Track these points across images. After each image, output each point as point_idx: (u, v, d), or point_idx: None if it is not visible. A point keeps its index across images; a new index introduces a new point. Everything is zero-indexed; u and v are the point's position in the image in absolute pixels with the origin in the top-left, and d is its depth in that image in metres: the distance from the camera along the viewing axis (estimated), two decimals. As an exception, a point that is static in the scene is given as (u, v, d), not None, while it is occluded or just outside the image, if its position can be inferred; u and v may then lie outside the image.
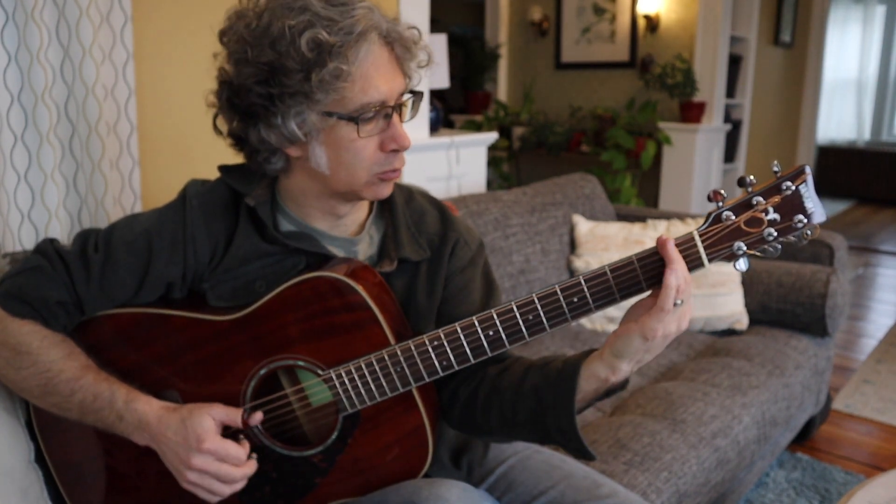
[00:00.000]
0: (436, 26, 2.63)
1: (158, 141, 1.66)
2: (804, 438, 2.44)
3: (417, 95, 1.02)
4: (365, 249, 1.09)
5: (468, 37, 5.64)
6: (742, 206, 0.86)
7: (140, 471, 1.06)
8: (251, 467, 0.96)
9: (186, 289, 1.06)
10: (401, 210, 1.10)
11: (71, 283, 1.00)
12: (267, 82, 0.92)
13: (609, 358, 0.92)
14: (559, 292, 0.90)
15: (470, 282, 1.12)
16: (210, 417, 0.94)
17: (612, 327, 2.26)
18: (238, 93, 0.95)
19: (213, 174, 1.09)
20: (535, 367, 1.01)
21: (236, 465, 0.94)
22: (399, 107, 0.98)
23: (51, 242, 1.04)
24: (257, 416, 1.00)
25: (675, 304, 0.85)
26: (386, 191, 1.02)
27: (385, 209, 1.11)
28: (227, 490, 0.95)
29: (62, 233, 1.41)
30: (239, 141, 1.01)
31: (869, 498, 1.30)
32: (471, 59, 5.24)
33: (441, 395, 1.10)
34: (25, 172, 1.35)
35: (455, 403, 1.08)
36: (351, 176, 0.98)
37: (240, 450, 0.94)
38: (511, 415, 1.01)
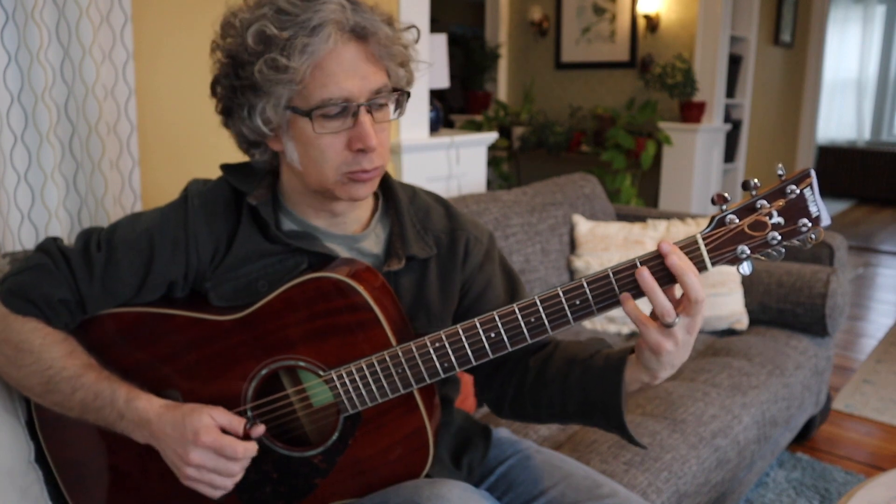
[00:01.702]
0: (436, 26, 2.63)
1: (158, 141, 1.66)
2: (804, 438, 2.44)
3: (403, 94, 1.00)
4: (370, 247, 1.09)
5: (468, 37, 5.64)
6: (746, 210, 0.86)
7: (142, 469, 1.07)
8: (252, 450, 0.95)
9: (188, 288, 1.06)
10: (405, 208, 1.10)
11: (73, 281, 1.00)
12: (228, 75, 0.94)
13: (643, 368, 0.94)
14: (561, 294, 0.90)
15: (491, 277, 1.13)
16: (210, 416, 0.94)
17: (612, 327, 2.26)
18: (214, 86, 0.98)
19: (213, 174, 1.09)
20: (577, 362, 1.03)
21: (233, 458, 0.94)
22: (371, 105, 0.95)
23: (54, 241, 1.04)
24: (259, 429, 0.98)
25: (667, 326, 0.86)
26: (361, 192, 0.99)
27: (390, 207, 1.11)
28: (229, 483, 0.95)
29: (62, 233, 1.41)
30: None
31: (869, 498, 1.30)
32: (471, 59, 5.24)
33: (488, 395, 1.14)
34: (25, 172, 1.35)
35: (504, 398, 1.11)
36: (320, 174, 0.97)
37: (235, 444, 0.93)
38: (560, 408, 1.05)
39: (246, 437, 0.97)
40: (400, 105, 1.01)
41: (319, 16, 0.89)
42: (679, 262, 0.84)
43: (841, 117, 8.01)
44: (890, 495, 1.31)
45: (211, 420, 0.94)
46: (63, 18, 1.34)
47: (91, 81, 1.38)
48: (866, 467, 2.33)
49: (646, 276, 0.85)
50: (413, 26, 0.99)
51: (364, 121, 0.94)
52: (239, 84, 0.93)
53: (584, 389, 1.01)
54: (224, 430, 0.95)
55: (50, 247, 1.02)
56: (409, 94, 1.01)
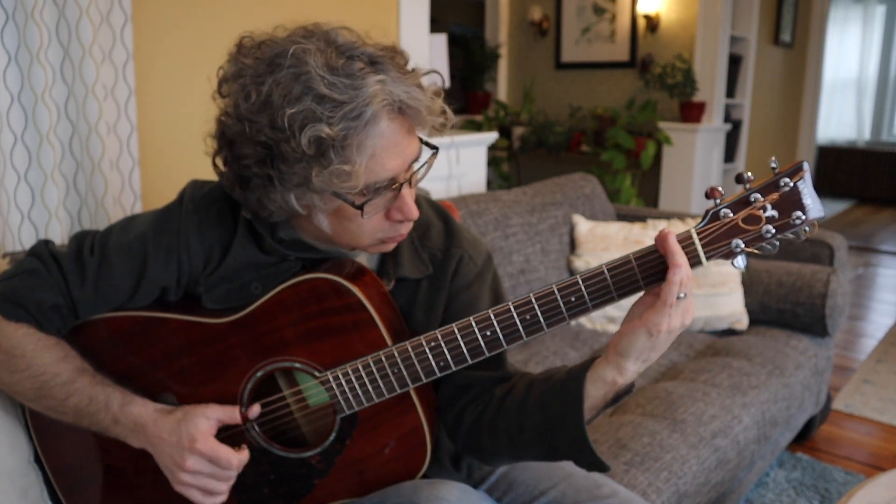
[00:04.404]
0: (436, 26, 2.63)
1: (158, 141, 1.66)
2: (804, 438, 2.44)
3: (434, 152, 0.95)
4: (363, 263, 1.07)
5: (468, 37, 5.64)
6: (740, 204, 0.86)
7: (138, 472, 1.06)
8: (245, 459, 0.95)
9: (181, 292, 1.05)
10: None
11: (65, 286, 0.99)
12: (265, 163, 0.86)
13: (615, 358, 0.89)
14: (556, 292, 0.90)
15: (476, 299, 1.07)
16: (205, 418, 0.94)
17: (612, 327, 2.26)
18: (237, 161, 0.89)
19: (213, 174, 1.08)
20: (538, 380, 0.98)
21: (228, 467, 0.94)
22: (410, 177, 0.92)
23: (45, 244, 1.03)
24: (255, 410, 0.99)
25: (678, 298, 0.84)
26: (391, 247, 0.99)
27: None
28: (223, 487, 0.95)
29: (62, 233, 1.41)
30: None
31: (869, 498, 1.30)
32: (471, 59, 5.24)
33: (446, 417, 1.07)
34: (25, 172, 1.36)
35: (459, 426, 1.05)
36: (354, 240, 0.95)
37: (230, 452, 0.94)
38: (518, 432, 0.97)
39: (244, 420, 0.98)
40: (429, 162, 0.97)
41: (370, 105, 0.82)
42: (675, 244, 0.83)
43: (841, 117, 8.01)
44: (890, 495, 1.31)
45: (206, 422, 0.94)
46: (63, 18, 1.34)
47: (91, 81, 1.39)
48: (866, 467, 2.33)
49: (672, 241, 0.83)
50: (435, 71, 0.93)
51: (405, 194, 0.92)
52: (278, 175, 0.85)
53: (542, 407, 0.95)
54: (222, 424, 0.96)
55: (42, 251, 1.01)
56: (437, 151, 0.95)
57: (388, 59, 0.87)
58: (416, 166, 0.93)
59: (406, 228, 0.96)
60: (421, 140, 0.94)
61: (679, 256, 0.83)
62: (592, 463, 0.94)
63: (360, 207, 0.88)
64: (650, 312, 0.85)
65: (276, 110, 0.82)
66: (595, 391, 0.91)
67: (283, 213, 0.92)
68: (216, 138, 0.93)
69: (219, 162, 0.95)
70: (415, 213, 0.93)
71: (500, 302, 1.09)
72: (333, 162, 0.82)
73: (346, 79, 0.82)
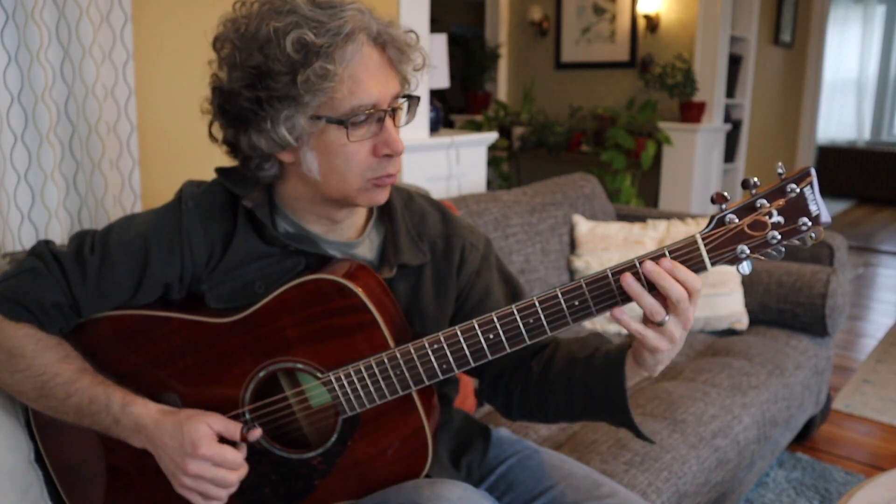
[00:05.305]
0: (436, 26, 2.63)
1: (158, 141, 1.66)
2: (804, 438, 2.44)
3: (413, 99, 1.01)
4: (364, 254, 1.08)
5: (468, 37, 5.64)
6: (746, 209, 0.85)
7: (140, 471, 1.06)
8: (244, 469, 0.96)
9: (185, 290, 1.05)
10: (400, 214, 1.09)
11: (67, 284, 0.99)
12: (255, 86, 0.91)
13: (641, 365, 0.95)
14: (560, 295, 0.90)
15: (490, 284, 1.13)
16: (206, 425, 0.93)
17: (612, 327, 2.26)
18: (228, 98, 0.94)
19: (213, 174, 1.09)
20: (577, 363, 1.03)
21: (233, 469, 0.94)
22: (393, 110, 0.97)
23: (46, 244, 1.03)
24: (256, 433, 0.98)
25: (661, 323, 0.87)
26: (381, 197, 1.01)
27: (384, 213, 1.10)
28: (223, 493, 0.95)
29: (62, 233, 1.41)
30: (233, 148, 1.00)
31: (869, 498, 1.30)
32: (471, 59, 5.24)
33: (496, 401, 1.15)
34: (25, 172, 1.35)
35: (511, 403, 1.12)
36: (343, 182, 0.97)
37: (236, 454, 0.94)
38: (566, 408, 1.05)
39: (243, 440, 0.97)
40: (411, 110, 1.01)
41: (348, 24, 0.90)
42: (652, 269, 0.85)
43: (841, 117, 8.01)
44: (890, 495, 1.31)
45: (208, 429, 0.93)
46: (63, 18, 1.34)
47: (91, 81, 1.38)
48: (866, 467, 2.33)
49: (630, 282, 0.86)
50: (411, 31, 0.99)
51: (389, 126, 0.96)
52: (267, 95, 0.91)
53: (587, 389, 1.01)
54: (221, 437, 0.95)
55: (42, 250, 1.01)
56: (419, 99, 1.01)
57: (367, 7, 0.96)
58: (399, 101, 0.98)
59: (394, 167, 0.98)
60: (407, 95, 1.00)
61: (638, 296, 0.87)
62: (640, 436, 1.01)
63: (345, 123, 0.92)
64: (642, 341, 0.90)
65: (264, 31, 0.90)
66: (631, 381, 0.98)
67: (275, 148, 0.96)
68: (211, 96, 0.98)
69: (215, 130, 1.00)
70: (400, 145, 0.96)
71: (510, 280, 1.17)
72: (315, 63, 0.88)
73: (328, 9, 0.91)
